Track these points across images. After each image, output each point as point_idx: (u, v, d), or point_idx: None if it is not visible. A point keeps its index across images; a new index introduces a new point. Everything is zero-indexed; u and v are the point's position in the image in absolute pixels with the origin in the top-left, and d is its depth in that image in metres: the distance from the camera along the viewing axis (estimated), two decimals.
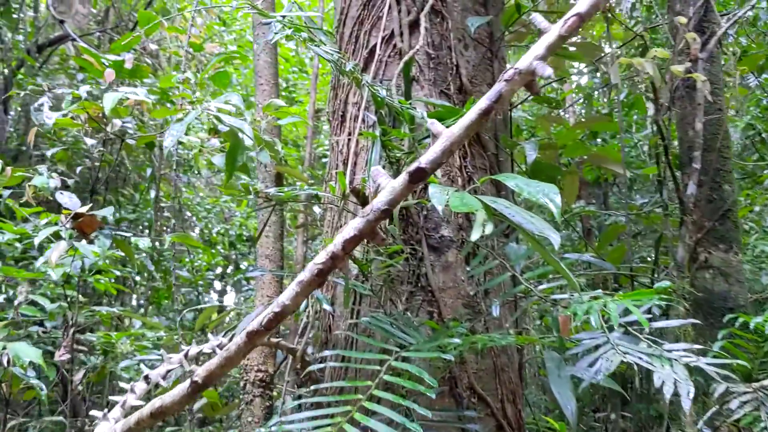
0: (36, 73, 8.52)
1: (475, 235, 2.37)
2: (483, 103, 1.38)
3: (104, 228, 2.85)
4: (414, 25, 3.22)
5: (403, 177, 1.46)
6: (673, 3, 3.50)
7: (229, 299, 12.20)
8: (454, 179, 3.10)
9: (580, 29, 4.62)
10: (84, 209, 2.69)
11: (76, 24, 10.32)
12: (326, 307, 2.39)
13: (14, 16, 9.39)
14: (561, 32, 1.31)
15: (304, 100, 10.80)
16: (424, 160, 1.43)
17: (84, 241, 2.76)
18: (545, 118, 5.47)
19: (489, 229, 2.37)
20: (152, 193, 7.94)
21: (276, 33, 2.09)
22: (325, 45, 2.26)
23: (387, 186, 1.45)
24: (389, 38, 3.24)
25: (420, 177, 1.45)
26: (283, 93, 11.06)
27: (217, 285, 11.54)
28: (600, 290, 2.38)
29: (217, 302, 12.06)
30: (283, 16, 2.38)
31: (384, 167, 3.09)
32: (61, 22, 7.85)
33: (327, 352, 1.98)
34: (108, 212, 2.70)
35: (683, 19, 2.91)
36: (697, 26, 3.17)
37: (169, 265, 7.13)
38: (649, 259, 6.81)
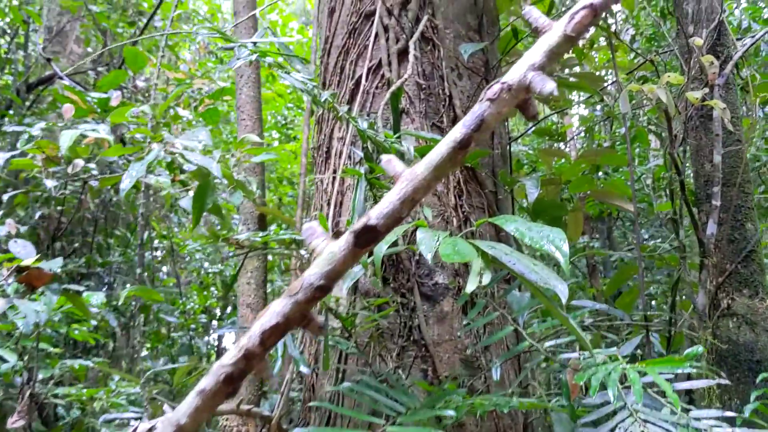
0: (24, 113, 8.33)
1: (470, 287, 2.08)
2: (458, 132, 1.02)
3: (56, 280, 2.58)
4: (403, 54, 2.99)
5: (345, 239, 1.07)
6: (684, 25, 3.26)
7: (229, 340, 11.86)
8: (449, 220, 2.83)
9: (582, 55, 4.36)
10: (29, 261, 2.41)
11: (70, 64, 10.19)
12: (303, 369, 2.09)
13: (4, 56, 9.25)
14: (566, 31, 0.97)
15: (300, 136, 10.62)
16: (375, 213, 1.04)
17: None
18: (546, 152, 5.23)
19: (486, 278, 2.08)
20: (142, 236, 7.68)
21: (239, 59, 1.84)
22: (298, 72, 2.01)
23: (324, 252, 1.07)
24: (376, 68, 3.00)
25: (369, 238, 1.05)
26: (284, 130, 10.90)
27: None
28: (615, 348, 2.09)
29: (215, 343, 11.71)
30: (254, 43, 2.13)
31: (370, 207, 2.82)
32: (49, 60, 7.68)
33: (299, 431, 1.69)
34: (56, 264, 2.40)
35: (699, 41, 2.66)
36: (710, 50, 2.93)
37: (158, 310, 6.83)
38: (657, 296, 6.50)
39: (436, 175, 1.03)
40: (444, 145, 1.03)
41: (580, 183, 3.55)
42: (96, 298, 2.91)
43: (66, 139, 2.55)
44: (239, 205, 2.78)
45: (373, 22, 3.05)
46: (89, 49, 10.59)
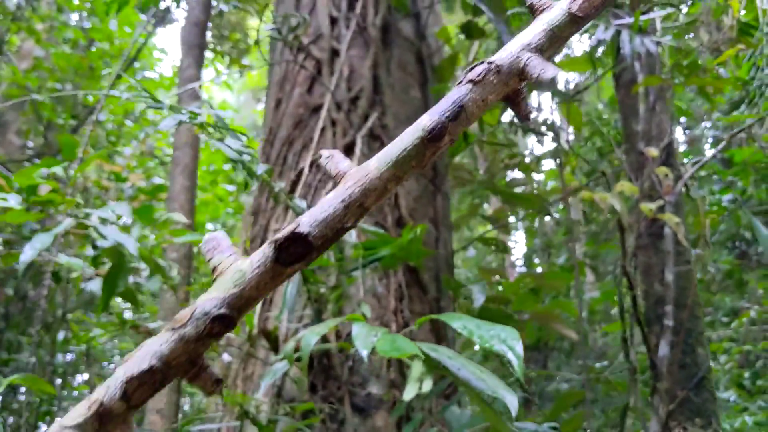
0: None
1: (409, 394, 1.85)
2: (428, 119, 0.77)
3: None
4: (350, 149, 2.88)
5: (263, 252, 0.74)
6: (633, 143, 3.28)
7: None
8: (387, 324, 2.62)
9: (529, 173, 4.36)
10: None
11: (8, 154, 9.89)
12: None
13: None
14: (572, 9, 0.79)
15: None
16: (308, 219, 0.74)
17: None
18: (487, 271, 5.13)
19: (427, 385, 1.86)
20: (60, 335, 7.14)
21: (169, 123, 1.67)
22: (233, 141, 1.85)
23: (230, 269, 0.74)
24: None
25: (297, 253, 0.73)
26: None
27: None
28: None
29: None
30: (191, 112, 1.97)
31: (305, 306, 2.60)
32: None
33: None
34: None
35: (654, 152, 2.65)
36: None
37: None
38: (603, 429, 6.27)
39: (396, 174, 0.77)
40: (408, 136, 0.78)
41: (524, 300, 3.40)
42: None
43: None
44: (157, 291, 2.52)
45: (320, 115, 2.96)
46: (29, 142, 10.35)
